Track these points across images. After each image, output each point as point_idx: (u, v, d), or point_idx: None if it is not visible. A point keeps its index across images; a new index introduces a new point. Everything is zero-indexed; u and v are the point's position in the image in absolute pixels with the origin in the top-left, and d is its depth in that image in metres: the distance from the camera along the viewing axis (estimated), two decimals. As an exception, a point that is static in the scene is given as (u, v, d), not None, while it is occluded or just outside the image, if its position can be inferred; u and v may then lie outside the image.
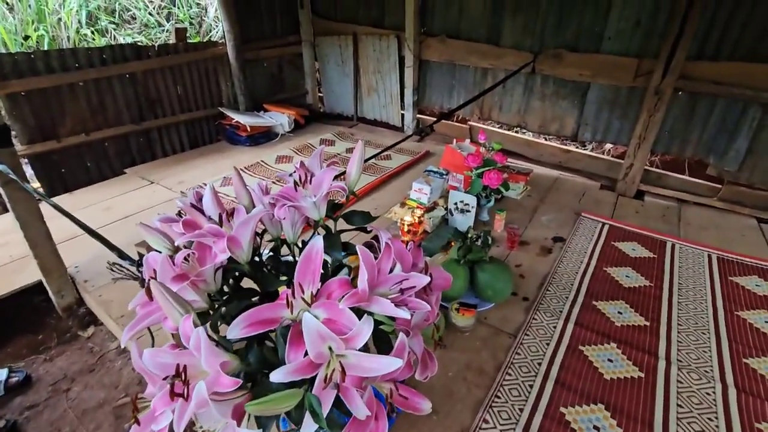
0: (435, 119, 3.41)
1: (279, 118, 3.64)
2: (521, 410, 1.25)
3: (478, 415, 1.24)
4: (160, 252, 0.81)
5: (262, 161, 3.05)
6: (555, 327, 1.56)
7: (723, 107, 2.34)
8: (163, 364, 0.63)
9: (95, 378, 1.57)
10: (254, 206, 0.92)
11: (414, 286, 0.76)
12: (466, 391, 1.33)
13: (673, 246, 2.09)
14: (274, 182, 2.67)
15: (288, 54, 3.93)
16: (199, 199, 0.90)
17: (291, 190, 0.92)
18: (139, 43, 4.14)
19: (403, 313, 0.69)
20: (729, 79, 2.25)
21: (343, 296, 0.71)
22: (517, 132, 3.42)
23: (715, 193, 2.54)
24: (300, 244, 0.88)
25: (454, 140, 2.56)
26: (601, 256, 2.00)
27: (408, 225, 1.99)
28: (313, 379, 0.62)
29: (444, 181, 2.26)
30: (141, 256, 0.90)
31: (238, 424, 0.61)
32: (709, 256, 2.01)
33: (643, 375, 1.37)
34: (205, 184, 1.11)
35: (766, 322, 1.61)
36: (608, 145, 3.31)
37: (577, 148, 3.17)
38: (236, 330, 0.64)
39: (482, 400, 1.29)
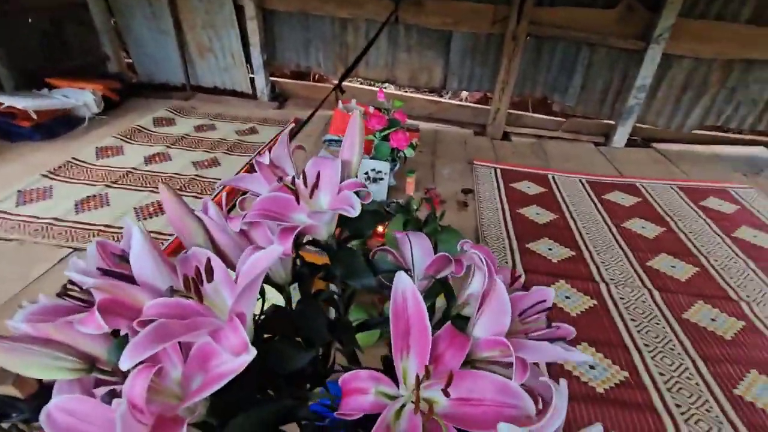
0: (316, 80, 3.00)
1: (78, 96, 2.64)
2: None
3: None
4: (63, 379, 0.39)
5: (76, 159, 2.17)
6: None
7: (562, 49, 2.66)
8: None
9: None
10: (213, 244, 0.53)
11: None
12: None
13: (553, 177, 2.33)
14: (153, 190, 1.94)
15: (66, 3, 2.83)
16: (113, 254, 0.47)
17: (281, 204, 0.56)
18: None
19: (578, 356, 0.47)
20: (566, 23, 2.53)
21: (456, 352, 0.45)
22: (386, 87, 3.29)
23: (559, 126, 2.94)
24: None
25: (340, 102, 2.27)
26: (508, 199, 2.10)
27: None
28: None
29: (347, 150, 1.99)
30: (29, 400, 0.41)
31: None
32: (581, 181, 2.32)
33: (596, 302, 1.48)
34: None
35: (642, 227, 1.94)
36: (464, 93, 3.50)
37: (441, 98, 3.25)
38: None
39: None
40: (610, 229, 1.91)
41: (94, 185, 1.95)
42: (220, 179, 2.07)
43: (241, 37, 2.99)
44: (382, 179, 1.94)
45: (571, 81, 2.74)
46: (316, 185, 0.54)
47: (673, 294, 1.54)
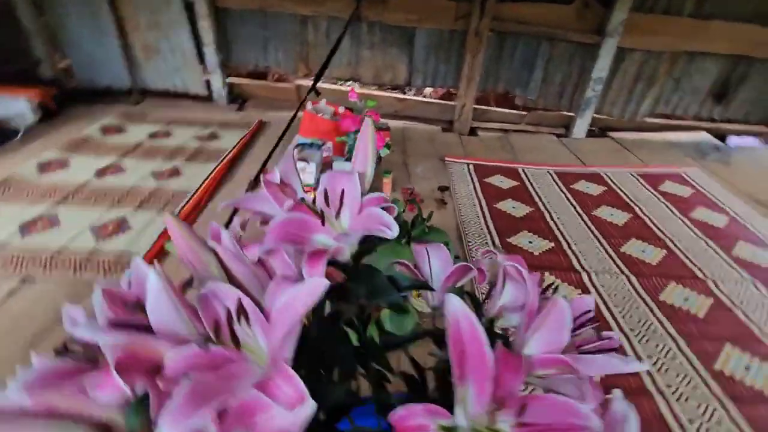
0: (283, 80, 2.86)
1: (9, 106, 2.39)
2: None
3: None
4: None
5: (14, 177, 1.95)
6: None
7: (524, 45, 2.72)
8: None
9: None
10: (228, 275, 0.47)
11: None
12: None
13: (524, 171, 2.39)
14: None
15: (-15, 1, 2.53)
16: (117, 299, 0.41)
17: (303, 226, 0.51)
18: None
19: (636, 366, 0.46)
20: (526, 18, 2.59)
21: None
22: (350, 85, 3.22)
23: (522, 119, 3.02)
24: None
25: (309, 103, 2.19)
26: (484, 194, 2.12)
27: (308, 214, 1.61)
28: None
29: (320, 153, 1.91)
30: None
31: None
32: (549, 173, 2.39)
33: (580, 291, 1.53)
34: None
35: (611, 214, 2.02)
36: (427, 90, 3.50)
37: (405, 95, 3.23)
38: None
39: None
40: (582, 218, 1.98)
41: (40, 204, 1.76)
42: (185, 190, 1.94)
43: (193, 37, 2.81)
44: (359, 181, 1.89)
45: (532, 75, 2.81)
46: (341, 203, 0.49)
47: (648, 278, 1.61)
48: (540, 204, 2.06)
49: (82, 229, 1.64)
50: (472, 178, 2.26)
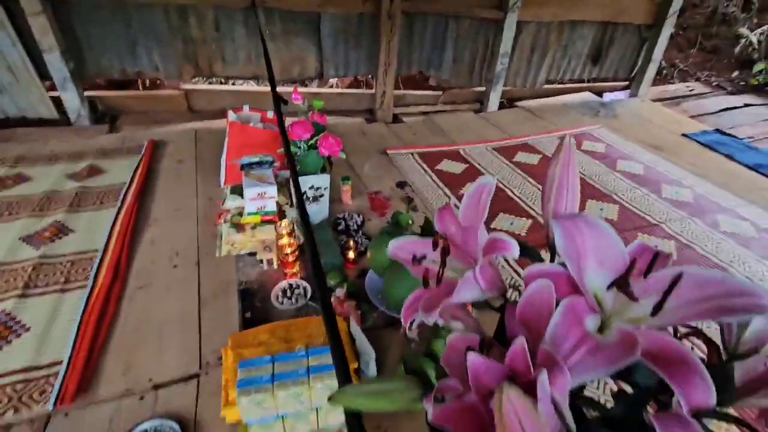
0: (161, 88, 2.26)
1: None
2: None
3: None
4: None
5: None
6: (503, 265, 1.50)
7: (433, 25, 2.66)
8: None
9: None
10: None
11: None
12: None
13: (464, 151, 2.37)
14: None
15: None
16: None
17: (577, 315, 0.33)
18: None
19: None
20: (432, -4, 2.53)
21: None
22: (259, 83, 2.79)
23: (437, 100, 3.01)
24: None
25: (230, 111, 1.78)
26: (444, 183, 2.03)
27: (288, 248, 1.30)
28: None
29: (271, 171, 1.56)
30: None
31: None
32: (487, 149, 2.41)
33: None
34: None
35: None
36: (332, 80, 3.25)
37: (319, 89, 2.94)
38: None
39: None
40: (538, 189, 2.03)
41: None
42: (84, 252, 1.41)
43: (21, 43, 2.08)
44: (322, 195, 1.62)
45: (443, 55, 2.79)
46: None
47: (619, 233, 1.72)
48: (499, 183, 2.05)
49: (-63, 350, 1.06)
50: (424, 168, 2.15)
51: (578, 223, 0.38)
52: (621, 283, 0.32)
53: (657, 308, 0.31)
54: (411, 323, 0.44)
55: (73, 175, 1.86)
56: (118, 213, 1.61)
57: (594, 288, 0.36)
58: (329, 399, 0.36)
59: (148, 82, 2.79)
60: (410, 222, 1.30)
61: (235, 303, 1.28)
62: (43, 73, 2.18)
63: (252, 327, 1.13)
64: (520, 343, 0.32)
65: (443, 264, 0.40)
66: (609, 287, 0.34)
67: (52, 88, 2.25)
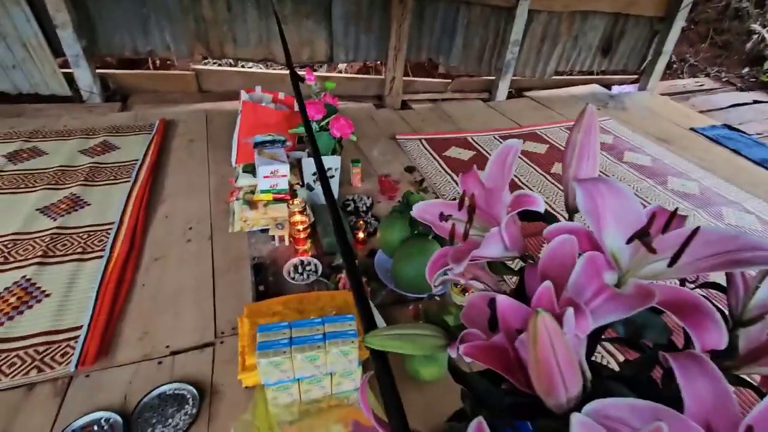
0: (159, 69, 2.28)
1: None
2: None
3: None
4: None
5: None
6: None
7: (443, 11, 2.65)
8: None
9: None
10: None
11: None
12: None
13: (472, 138, 2.38)
14: None
15: None
16: None
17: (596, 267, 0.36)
18: None
19: None
20: (444, -18, 2.52)
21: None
22: (268, 66, 2.80)
23: (446, 87, 3.01)
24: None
25: (242, 91, 1.80)
26: (452, 170, 2.05)
27: (301, 225, 1.33)
28: None
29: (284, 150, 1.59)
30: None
31: None
32: (495, 137, 2.42)
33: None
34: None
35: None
36: (342, 65, 3.25)
37: (329, 74, 2.94)
38: None
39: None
40: (547, 179, 2.05)
41: None
42: (102, 222, 1.45)
43: (36, 19, 2.09)
44: (332, 177, 1.64)
45: (453, 41, 2.79)
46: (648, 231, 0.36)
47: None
48: (505, 170, 2.07)
49: (-38, 312, 1.10)
50: (431, 154, 2.17)
51: (599, 185, 0.40)
52: (641, 234, 0.35)
53: (674, 259, 0.33)
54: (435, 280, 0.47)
55: (86, 150, 1.89)
56: (132, 188, 1.64)
57: (612, 247, 0.38)
58: (364, 339, 0.39)
59: (158, 62, 2.80)
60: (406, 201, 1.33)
61: (247, 276, 1.31)
62: (57, 50, 2.20)
63: (265, 299, 1.17)
64: (547, 285, 0.34)
65: (470, 221, 0.43)
66: (629, 241, 0.36)
67: (65, 65, 2.27)
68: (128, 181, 1.68)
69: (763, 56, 3.93)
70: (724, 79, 3.84)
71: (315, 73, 2.82)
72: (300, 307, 1.07)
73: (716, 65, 4.04)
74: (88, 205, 1.55)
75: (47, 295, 1.18)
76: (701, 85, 3.72)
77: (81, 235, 1.40)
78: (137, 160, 1.83)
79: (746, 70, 3.95)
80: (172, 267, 1.33)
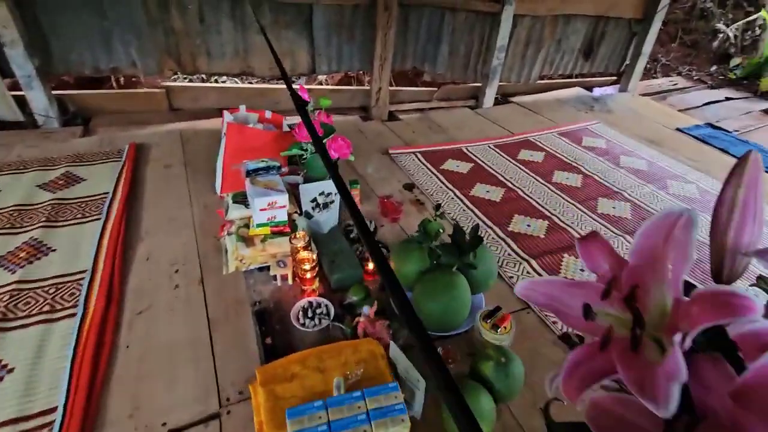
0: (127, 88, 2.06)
1: None
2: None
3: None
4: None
5: None
6: (529, 271, 1.44)
7: (428, 18, 2.56)
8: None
9: None
10: None
11: None
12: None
13: (467, 149, 2.29)
14: None
15: None
16: None
17: None
18: None
19: None
20: (428, -12, 2.43)
21: None
22: (245, 80, 2.61)
23: (431, 96, 2.92)
24: None
25: (225, 112, 1.63)
26: (453, 185, 1.94)
27: (307, 263, 1.18)
28: None
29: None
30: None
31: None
32: (490, 147, 2.34)
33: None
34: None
35: (566, 178, 2.07)
36: (322, 77, 3.10)
37: (310, 86, 2.79)
38: None
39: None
40: (548, 188, 1.98)
41: None
42: (71, 272, 1.25)
43: (-22, 35, 1.85)
44: (333, 202, 1.50)
45: (439, 49, 2.70)
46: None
47: (630, 232, 1.69)
48: (508, 183, 1.99)
49: None
50: (429, 169, 2.06)
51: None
52: None
53: None
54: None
55: (46, 184, 1.67)
56: (104, 226, 1.44)
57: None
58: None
59: (122, 80, 2.57)
60: (441, 230, 1.21)
61: (249, 325, 1.15)
62: (5, 71, 1.96)
63: (275, 355, 1.02)
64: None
65: (640, 324, 0.31)
66: None
67: (15, 87, 2.02)
68: (99, 219, 1.48)
69: (729, 54, 4.06)
70: (695, 78, 3.94)
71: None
72: (321, 365, 0.93)
73: (686, 64, 4.16)
74: (53, 251, 1.34)
75: (9, 371, 0.98)
76: (675, 84, 3.80)
77: (47, 289, 1.20)
78: (107, 192, 1.63)
79: (714, 67, 4.08)
80: (160, 321, 1.16)
